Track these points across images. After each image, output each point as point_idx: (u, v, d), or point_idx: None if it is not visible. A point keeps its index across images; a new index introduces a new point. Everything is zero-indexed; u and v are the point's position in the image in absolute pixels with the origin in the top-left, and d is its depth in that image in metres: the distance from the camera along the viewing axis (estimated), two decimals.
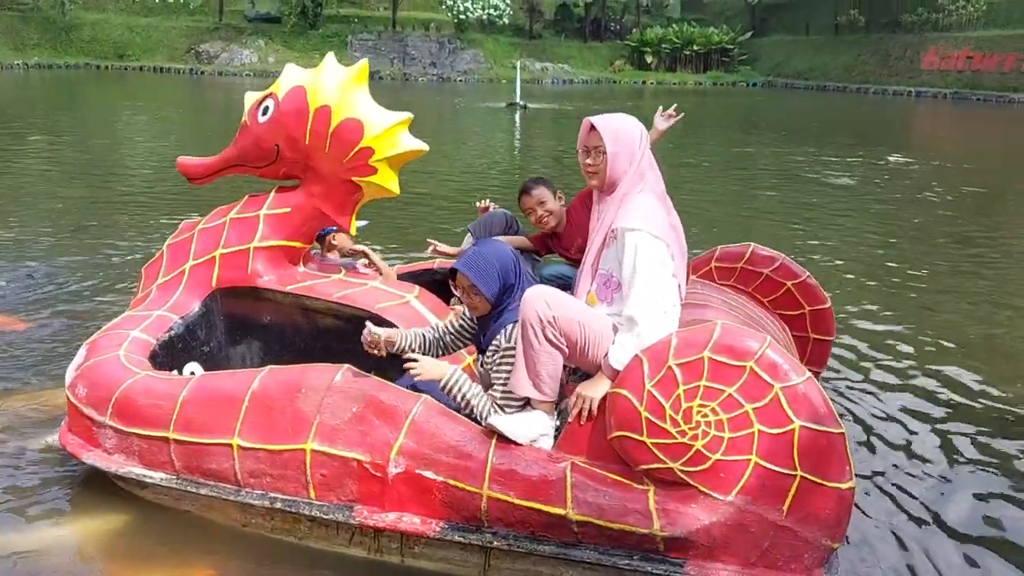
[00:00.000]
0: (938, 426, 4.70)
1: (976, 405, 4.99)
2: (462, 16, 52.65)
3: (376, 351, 3.32)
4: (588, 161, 3.40)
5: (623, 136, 3.36)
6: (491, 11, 53.39)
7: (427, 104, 30.90)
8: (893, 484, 4.06)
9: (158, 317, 3.84)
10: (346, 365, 3.30)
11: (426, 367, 3.20)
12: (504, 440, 3.10)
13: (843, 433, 2.80)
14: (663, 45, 55.98)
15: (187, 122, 22.29)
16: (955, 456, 4.38)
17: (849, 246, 9.20)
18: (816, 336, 4.06)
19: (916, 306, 6.96)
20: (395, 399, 3.19)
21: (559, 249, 4.39)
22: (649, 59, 56.08)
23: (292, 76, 3.92)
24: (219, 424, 3.30)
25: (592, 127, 3.38)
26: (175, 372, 3.72)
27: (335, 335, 3.90)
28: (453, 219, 9.71)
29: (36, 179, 12.01)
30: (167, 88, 35.03)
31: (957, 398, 5.08)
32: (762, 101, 39.97)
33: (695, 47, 56.03)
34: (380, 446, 3.14)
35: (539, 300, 3.04)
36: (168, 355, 3.78)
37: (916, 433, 4.60)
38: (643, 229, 3.17)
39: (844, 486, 2.79)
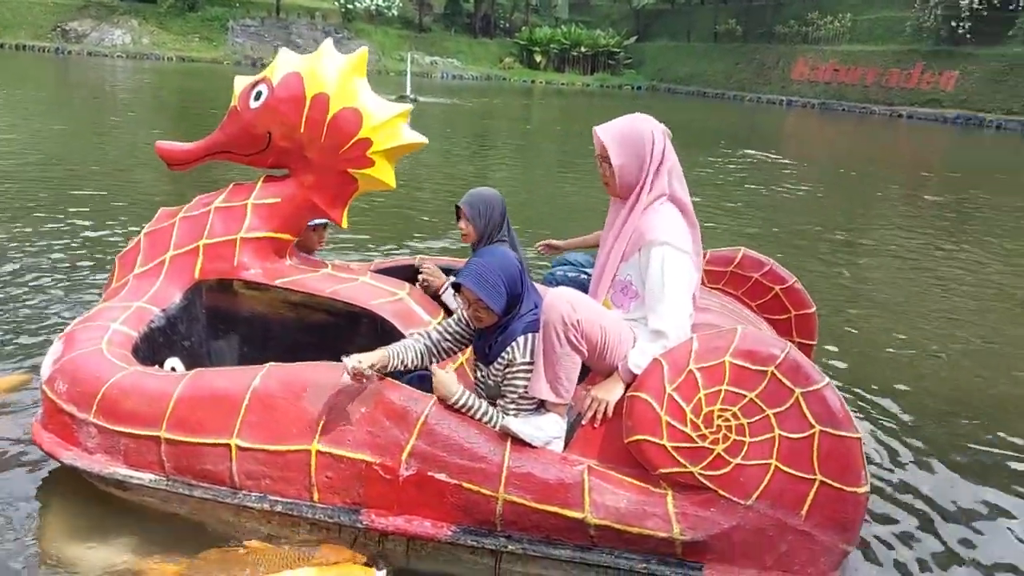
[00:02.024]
0: (906, 422, 4.91)
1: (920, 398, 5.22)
2: (350, 6, 51.98)
3: (364, 381, 3.10)
4: (601, 170, 3.39)
5: (628, 143, 3.32)
6: (379, 2, 52.88)
7: None
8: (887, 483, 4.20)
9: (138, 309, 3.64)
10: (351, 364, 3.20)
11: (438, 383, 3.12)
12: (519, 443, 3.06)
13: (860, 438, 2.87)
14: (552, 45, 56.86)
15: (59, 103, 21.16)
16: (945, 452, 4.56)
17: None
18: (800, 340, 4.15)
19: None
20: (406, 399, 3.11)
21: None
22: (538, 58, 56.89)
23: (287, 62, 3.77)
24: (216, 423, 3.15)
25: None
26: (156, 368, 3.54)
27: (325, 330, 3.78)
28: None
29: None
30: (33, 67, 33.23)
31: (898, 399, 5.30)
32: (647, 105, 40.92)
33: (583, 49, 57.11)
34: (391, 448, 3.06)
35: (563, 302, 3.00)
36: (149, 349, 3.59)
37: (890, 433, 4.76)
38: (670, 243, 3.17)
39: (860, 490, 2.86)
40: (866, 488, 2.88)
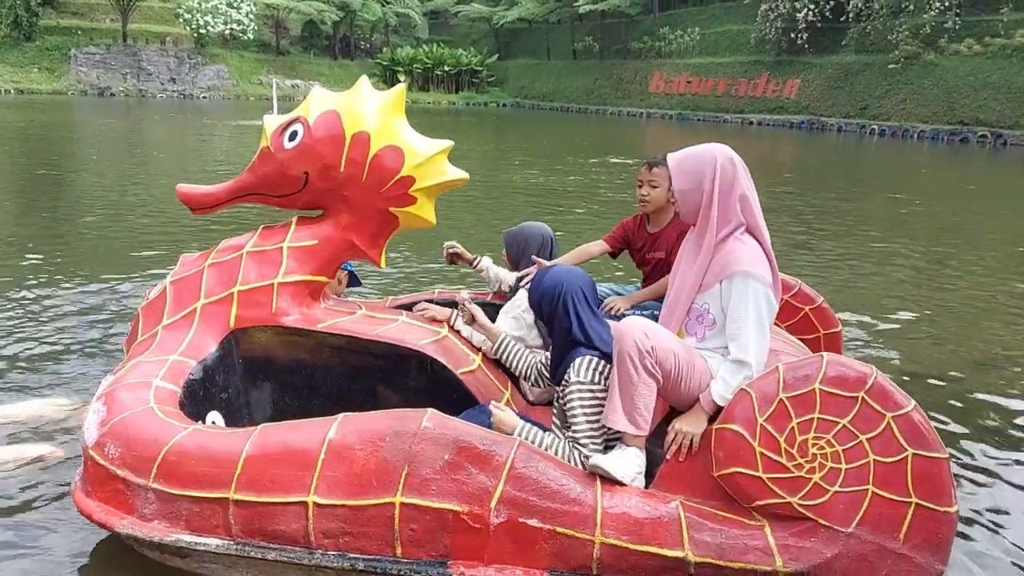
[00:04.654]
0: None
1: None
2: (202, 30, 50.41)
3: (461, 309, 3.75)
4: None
5: (689, 168, 3.28)
6: (233, 26, 51.55)
7: (176, 122, 29.45)
8: None
9: (174, 362, 3.39)
10: (431, 409, 3.08)
11: (497, 420, 3.22)
12: (607, 481, 3.01)
13: (947, 457, 2.93)
14: (415, 65, 57.06)
15: None
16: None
17: None
18: None
19: None
20: (490, 443, 3.00)
21: (635, 249, 4.28)
22: (402, 78, 56.76)
23: (322, 100, 3.61)
24: (291, 481, 2.96)
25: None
26: (200, 423, 3.31)
27: (369, 374, 3.62)
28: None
29: None
30: None
31: None
32: (513, 121, 41.55)
33: (446, 68, 57.51)
34: (479, 495, 2.94)
35: (637, 330, 3.00)
36: (192, 404, 3.36)
37: None
38: (754, 275, 3.15)
39: (952, 510, 2.92)
40: (956, 507, 2.94)
